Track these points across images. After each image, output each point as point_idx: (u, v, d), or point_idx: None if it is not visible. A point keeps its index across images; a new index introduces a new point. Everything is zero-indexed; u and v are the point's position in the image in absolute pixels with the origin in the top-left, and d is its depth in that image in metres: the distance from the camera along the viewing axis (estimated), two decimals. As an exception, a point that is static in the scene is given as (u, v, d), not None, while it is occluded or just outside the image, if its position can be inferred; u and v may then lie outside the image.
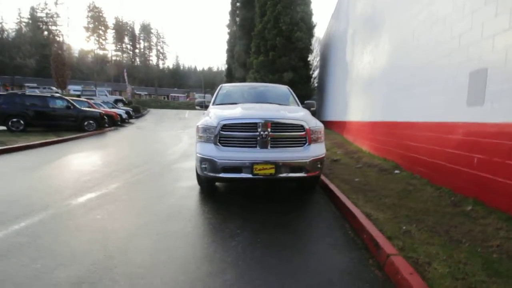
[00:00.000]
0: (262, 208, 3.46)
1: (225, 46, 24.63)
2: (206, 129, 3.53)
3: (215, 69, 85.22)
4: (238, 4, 21.53)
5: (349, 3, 10.57)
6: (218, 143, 3.45)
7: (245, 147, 3.43)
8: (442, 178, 3.85)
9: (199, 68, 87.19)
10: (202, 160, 3.44)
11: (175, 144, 9.39)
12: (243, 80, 18.57)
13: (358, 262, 2.15)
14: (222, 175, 3.37)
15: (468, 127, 3.33)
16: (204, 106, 5.02)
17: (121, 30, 68.97)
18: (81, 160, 6.45)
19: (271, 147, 3.42)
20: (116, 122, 14.46)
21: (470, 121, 3.30)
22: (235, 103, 4.57)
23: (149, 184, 4.45)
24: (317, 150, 3.58)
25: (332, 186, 3.92)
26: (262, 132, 3.37)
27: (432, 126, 4.13)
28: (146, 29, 76.04)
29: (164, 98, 55.95)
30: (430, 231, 2.55)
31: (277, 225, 2.94)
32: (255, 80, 15.88)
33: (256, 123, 3.38)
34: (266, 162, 3.31)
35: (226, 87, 5.31)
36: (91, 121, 11.52)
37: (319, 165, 3.56)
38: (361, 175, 4.86)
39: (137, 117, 21.58)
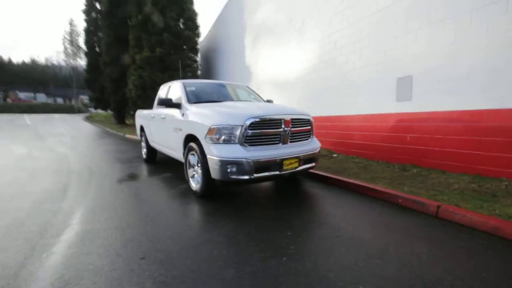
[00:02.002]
0: (289, 210, 3.52)
1: (59, 33, 19.77)
2: (225, 129, 3.21)
3: (41, 61, 66.16)
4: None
5: (243, 14, 11.46)
6: (244, 143, 3.22)
7: (269, 145, 3.40)
8: (378, 155, 5.28)
9: (16, 60, 65.10)
10: (227, 164, 3.11)
11: (61, 159, 7.06)
12: (121, 77, 15.98)
13: (415, 217, 2.83)
14: (254, 176, 3.19)
15: (401, 116, 4.80)
16: (171, 105, 4.29)
17: None
18: None
19: (290, 142, 3.57)
20: None
21: (403, 112, 4.76)
22: (216, 101, 4.28)
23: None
24: (317, 141, 4.05)
25: (322, 173, 4.48)
26: (286, 128, 3.46)
27: (366, 117, 5.53)
28: None
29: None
30: (419, 188, 3.60)
31: (319, 217, 3.19)
32: (141, 78, 14.16)
33: (280, 120, 3.42)
34: (293, 157, 3.45)
35: (190, 83, 4.75)
36: None
37: (318, 155, 4.03)
38: (314, 162, 5.73)
39: None
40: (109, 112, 20.57)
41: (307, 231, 2.57)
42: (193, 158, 3.76)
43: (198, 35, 15.31)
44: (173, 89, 4.91)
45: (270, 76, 9.41)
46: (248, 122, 3.21)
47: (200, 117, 3.57)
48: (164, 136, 4.87)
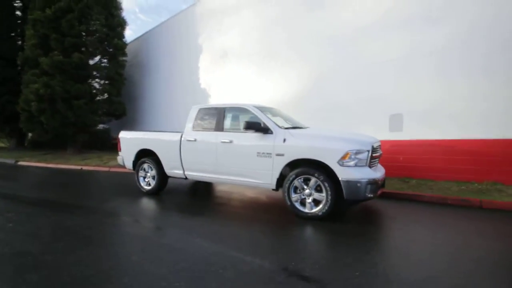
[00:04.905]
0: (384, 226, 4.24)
1: None
2: (359, 153, 3.70)
3: None
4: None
5: (198, 37, 11.38)
6: (369, 165, 3.79)
7: (374, 167, 4.09)
8: (374, 171, 6.79)
9: None
10: (368, 184, 3.60)
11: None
12: (9, 83, 11.69)
13: (467, 210, 4.27)
14: (377, 193, 3.79)
15: (394, 142, 6.51)
16: (259, 129, 4.16)
17: None
18: None
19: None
20: None
21: (395, 139, 6.49)
22: (296, 127, 4.60)
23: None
24: (377, 163, 5.01)
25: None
26: (380, 152, 4.26)
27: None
28: None
29: None
30: (434, 191, 5.17)
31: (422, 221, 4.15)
32: (49, 88, 10.94)
33: (380, 145, 4.20)
34: (385, 176, 4.27)
35: (262, 108, 4.68)
36: None
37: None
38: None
39: None
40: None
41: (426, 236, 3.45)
42: (300, 183, 3.87)
43: (126, 45, 13.51)
44: (235, 113, 4.70)
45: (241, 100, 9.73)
46: (370, 147, 3.81)
47: (325, 142, 3.82)
48: (230, 162, 4.49)
